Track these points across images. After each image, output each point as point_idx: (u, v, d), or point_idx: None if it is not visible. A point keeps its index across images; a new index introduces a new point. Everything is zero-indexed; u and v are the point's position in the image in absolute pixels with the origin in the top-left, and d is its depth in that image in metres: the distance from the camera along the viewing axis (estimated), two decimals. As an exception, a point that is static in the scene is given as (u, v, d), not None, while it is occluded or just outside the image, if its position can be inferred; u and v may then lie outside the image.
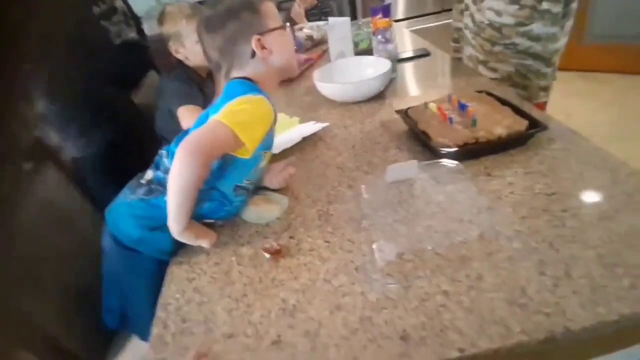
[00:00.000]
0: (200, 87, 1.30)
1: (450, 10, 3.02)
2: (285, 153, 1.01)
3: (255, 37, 0.77)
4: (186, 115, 1.19)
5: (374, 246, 0.66)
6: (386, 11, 1.32)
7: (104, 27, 1.32)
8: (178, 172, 0.67)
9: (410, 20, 3.18)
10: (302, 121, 1.18)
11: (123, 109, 1.39)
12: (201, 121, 0.77)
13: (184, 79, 1.25)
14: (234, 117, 0.70)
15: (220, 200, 0.79)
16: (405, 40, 1.84)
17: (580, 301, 0.51)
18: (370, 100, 1.22)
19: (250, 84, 0.78)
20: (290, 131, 1.11)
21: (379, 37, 1.31)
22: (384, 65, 1.24)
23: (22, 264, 0.85)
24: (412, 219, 0.72)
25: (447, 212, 0.72)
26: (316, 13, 2.24)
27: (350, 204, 0.79)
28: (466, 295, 0.56)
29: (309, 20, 2.14)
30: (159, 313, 0.64)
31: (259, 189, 0.88)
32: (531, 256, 0.60)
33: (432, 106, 0.95)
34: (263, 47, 0.78)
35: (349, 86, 1.21)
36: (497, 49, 1.18)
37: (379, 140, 1.00)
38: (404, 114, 0.99)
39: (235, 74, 0.80)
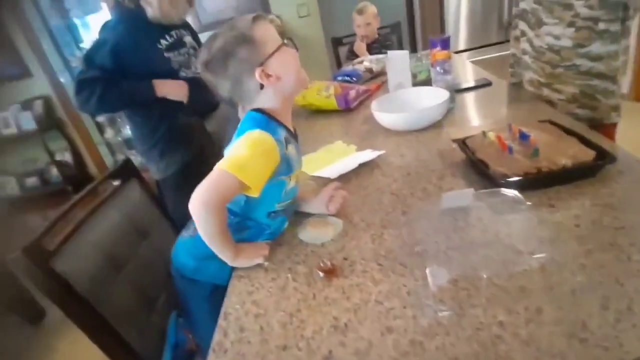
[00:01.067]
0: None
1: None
2: (341, 179, 1.05)
3: (258, 71, 0.76)
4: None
5: (427, 270, 0.66)
6: (445, 44, 1.35)
7: (167, 58, 1.45)
8: (198, 224, 0.74)
9: (472, 51, 3.16)
10: (359, 149, 1.22)
11: (197, 134, 1.53)
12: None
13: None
14: (235, 161, 0.72)
15: (257, 227, 0.85)
16: (467, 71, 1.84)
17: (637, 334, 0.49)
18: (428, 129, 1.24)
19: (260, 117, 0.78)
20: (348, 158, 1.15)
21: (438, 68, 1.34)
22: (442, 95, 1.26)
23: (105, 268, 0.96)
24: (467, 246, 0.71)
25: (505, 242, 0.70)
26: (377, 47, 2.32)
27: (404, 229, 0.80)
28: (524, 328, 0.54)
29: (371, 54, 2.22)
30: (221, 321, 0.69)
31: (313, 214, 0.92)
32: (595, 290, 0.57)
33: (491, 135, 0.94)
34: (269, 76, 0.77)
35: (406, 115, 1.24)
36: (558, 71, 1.18)
37: (435, 168, 1.01)
38: (461, 143, 0.99)
39: (250, 107, 0.81)
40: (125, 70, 1.35)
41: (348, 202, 0.94)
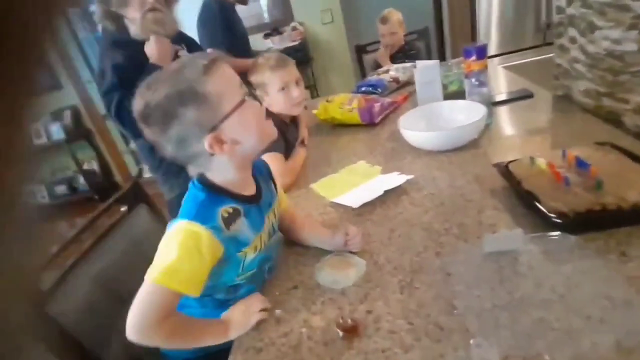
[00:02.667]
0: (283, 133, 1.31)
1: (553, 43, 2.79)
2: (365, 207, 0.94)
3: (208, 139, 0.62)
4: (269, 162, 1.19)
5: (471, 342, 0.54)
6: (481, 52, 1.22)
7: None
8: (154, 345, 0.64)
9: (503, 56, 2.98)
10: (384, 171, 1.10)
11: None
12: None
13: (268, 127, 1.27)
14: (164, 270, 0.61)
15: (218, 304, 0.74)
16: (501, 80, 1.70)
17: None
18: (462, 149, 1.10)
19: (200, 197, 0.66)
20: (372, 183, 1.04)
21: (473, 80, 1.21)
22: (478, 110, 1.13)
23: (107, 305, 0.88)
24: (517, 305, 0.59)
25: (566, 302, 0.57)
26: (401, 56, 2.19)
27: (438, 276, 0.68)
28: None
29: (394, 63, 2.10)
30: (222, 388, 0.59)
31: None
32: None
33: (541, 162, 0.81)
34: (222, 142, 0.63)
35: (437, 134, 1.11)
36: (623, 78, 1.04)
37: (472, 198, 0.88)
38: (504, 169, 0.87)
39: (199, 170, 0.69)
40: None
41: (372, 237, 0.83)
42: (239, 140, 0.65)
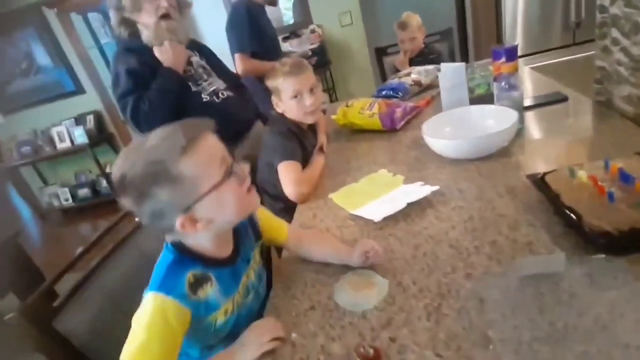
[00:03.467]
0: (300, 139, 1.27)
1: (583, 43, 2.65)
2: (387, 221, 0.89)
3: (180, 219, 0.60)
4: (285, 170, 1.15)
5: (508, 383, 0.48)
6: (511, 54, 1.15)
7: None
8: None
9: (530, 56, 2.86)
10: (406, 180, 1.05)
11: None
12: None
13: (284, 133, 1.24)
14: (138, 354, 0.59)
15: (198, 359, 0.72)
16: (526, 81, 1.61)
17: None
18: (491, 158, 1.04)
19: (169, 261, 0.65)
20: (394, 193, 0.99)
21: (503, 83, 1.14)
22: (508, 116, 1.06)
23: (119, 320, 0.86)
24: (559, 338, 0.53)
25: (610, 332, 0.51)
26: (420, 61, 2.11)
27: (470, 302, 0.63)
28: None
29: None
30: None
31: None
32: None
33: (582, 175, 0.74)
34: (195, 222, 0.62)
35: (464, 142, 1.05)
36: None
37: (504, 212, 0.82)
38: (540, 180, 0.80)
39: (175, 239, 0.67)
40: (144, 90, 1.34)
41: (395, 254, 0.78)
42: (214, 219, 0.64)
